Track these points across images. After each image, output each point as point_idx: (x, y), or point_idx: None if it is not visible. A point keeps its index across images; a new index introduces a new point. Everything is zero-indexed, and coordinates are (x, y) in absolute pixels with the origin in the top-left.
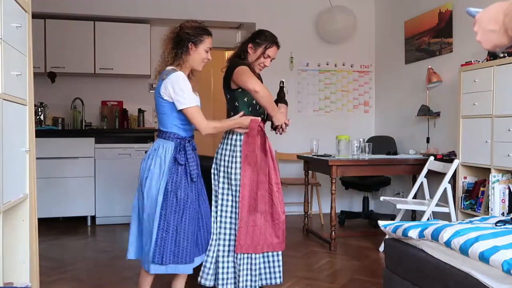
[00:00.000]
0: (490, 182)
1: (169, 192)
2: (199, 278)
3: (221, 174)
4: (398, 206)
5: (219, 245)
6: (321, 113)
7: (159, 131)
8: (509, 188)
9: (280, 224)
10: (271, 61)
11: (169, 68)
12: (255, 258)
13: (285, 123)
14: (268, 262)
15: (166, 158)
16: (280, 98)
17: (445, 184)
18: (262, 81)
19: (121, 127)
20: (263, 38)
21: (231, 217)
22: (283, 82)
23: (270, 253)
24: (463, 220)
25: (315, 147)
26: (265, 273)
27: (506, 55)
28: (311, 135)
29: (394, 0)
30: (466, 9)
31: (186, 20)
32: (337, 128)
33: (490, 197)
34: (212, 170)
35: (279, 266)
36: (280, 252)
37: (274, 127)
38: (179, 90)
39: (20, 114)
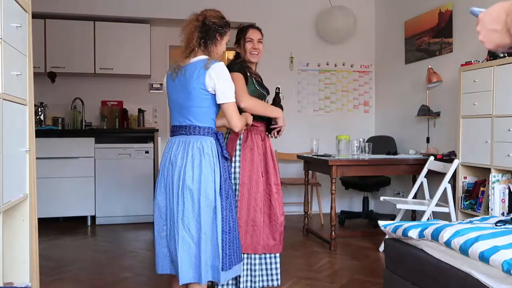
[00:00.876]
0: (490, 182)
1: (226, 192)
2: None
3: None
4: (398, 206)
5: None
6: (321, 113)
7: (191, 128)
8: (509, 188)
9: (278, 225)
10: (259, 42)
11: (203, 56)
12: (255, 259)
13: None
14: (266, 264)
15: (213, 155)
16: (276, 103)
17: (445, 184)
18: (261, 80)
19: (121, 127)
20: (239, 32)
21: None
22: (279, 88)
23: (267, 255)
24: (463, 220)
25: (315, 147)
26: (262, 274)
27: (506, 55)
28: (311, 135)
29: (394, 0)
30: (469, 9)
31: (207, 9)
32: (337, 128)
33: (490, 197)
34: None
35: (276, 268)
36: (278, 254)
37: (270, 129)
38: (224, 81)
39: (20, 114)
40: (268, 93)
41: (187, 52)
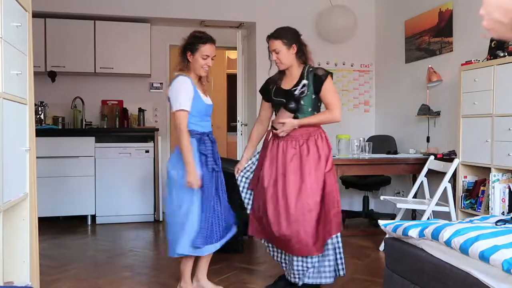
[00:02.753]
0: (490, 182)
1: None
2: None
3: None
4: (398, 205)
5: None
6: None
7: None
8: (509, 187)
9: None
10: (273, 51)
11: (176, 73)
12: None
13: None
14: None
15: (194, 151)
16: (288, 109)
17: (445, 183)
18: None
19: (121, 126)
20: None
21: None
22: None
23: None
24: (463, 220)
25: None
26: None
27: (506, 54)
28: None
29: None
30: None
31: (195, 29)
32: (337, 127)
33: (490, 197)
34: None
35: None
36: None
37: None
38: (173, 93)
39: (20, 113)
40: (287, 99)
41: (174, 71)
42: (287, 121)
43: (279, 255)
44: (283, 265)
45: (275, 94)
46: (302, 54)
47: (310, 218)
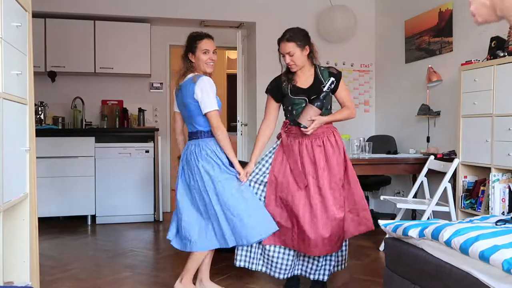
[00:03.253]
0: (490, 181)
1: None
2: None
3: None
4: (398, 205)
5: None
6: None
7: (198, 132)
8: (509, 187)
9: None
10: (288, 54)
11: (191, 74)
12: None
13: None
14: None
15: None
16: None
17: (445, 183)
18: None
19: (121, 127)
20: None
21: None
22: (323, 86)
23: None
24: (463, 219)
25: None
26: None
27: (506, 54)
28: None
29: None
30: None
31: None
32: (338, 127)
33: (490, 196)
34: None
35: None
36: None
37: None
38: (204, 94)
39: (20, 113)
40: (310, 96)
41: (181, 73)
42: (318, 118)
43: (290, 258)
44: (297, 267)
45: (294, 93)
46: (312, 54)
47: (343, 212)
